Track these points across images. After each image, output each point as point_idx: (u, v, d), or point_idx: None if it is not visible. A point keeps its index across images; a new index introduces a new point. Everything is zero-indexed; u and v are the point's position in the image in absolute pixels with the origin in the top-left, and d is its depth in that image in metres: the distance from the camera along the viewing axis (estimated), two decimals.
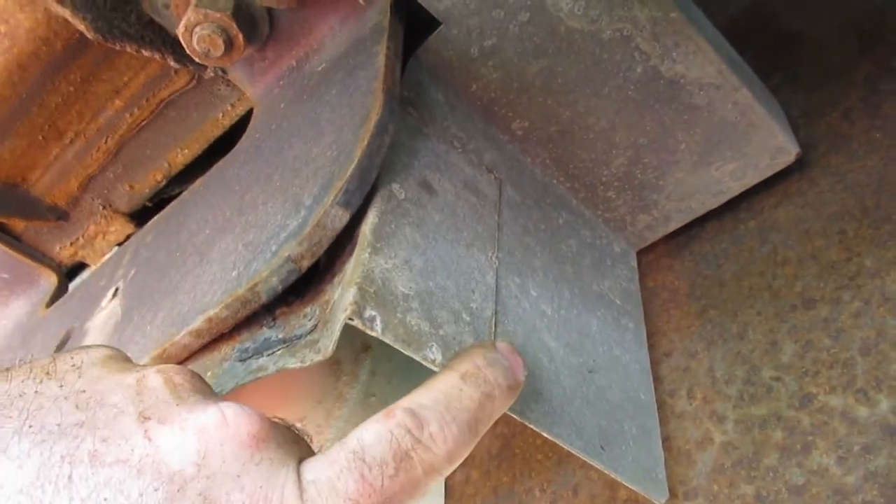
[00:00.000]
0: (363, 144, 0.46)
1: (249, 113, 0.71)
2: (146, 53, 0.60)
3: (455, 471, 0.79)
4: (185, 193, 0.67)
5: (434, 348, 0.44)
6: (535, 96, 0.60)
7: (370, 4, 0.59)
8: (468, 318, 0.47)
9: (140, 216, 0.81)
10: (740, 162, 0.63)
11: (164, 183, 0.76)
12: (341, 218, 0.45)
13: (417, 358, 0.43)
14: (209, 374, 0.50)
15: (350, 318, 0.40)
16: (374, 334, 0.41)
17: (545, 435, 0.48)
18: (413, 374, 0.91)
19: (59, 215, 0.77)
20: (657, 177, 0.65)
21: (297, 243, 0.45)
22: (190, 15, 0.57)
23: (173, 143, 0.72)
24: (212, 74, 0.65)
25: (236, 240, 0.52)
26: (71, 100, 0.66)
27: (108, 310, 0.64)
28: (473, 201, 0.55)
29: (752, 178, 0.64)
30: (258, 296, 0.46)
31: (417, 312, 0.44)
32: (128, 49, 0.58)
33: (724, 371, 0.59)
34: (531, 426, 0.47)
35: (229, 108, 0.69)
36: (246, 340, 0.49)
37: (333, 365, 0.82)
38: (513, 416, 0.47)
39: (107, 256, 0.84)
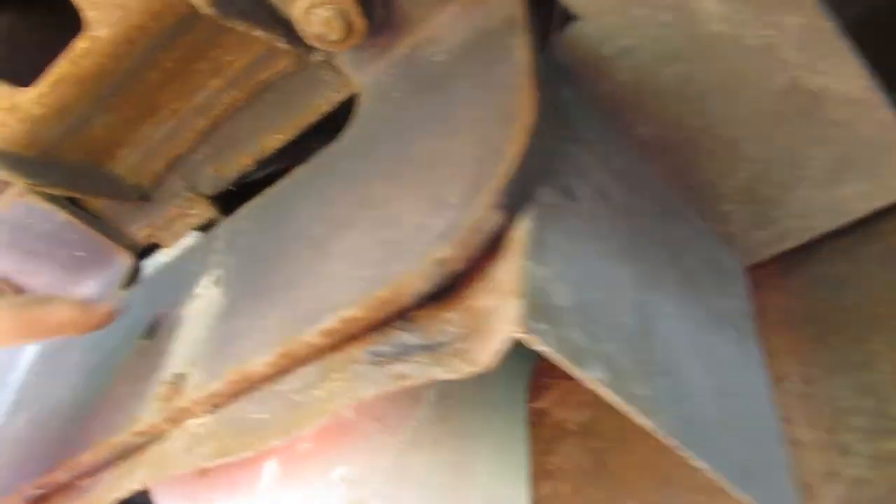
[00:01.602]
0: (518, 143, 0.43)
1: (348, 100, 0.69)
2: (257, 33, 0.57)
3: (541, 484, 0.76)
4: (284, 182, 0.65)
5: (598, 367, 0.41)
6: (666, 102, 0.58)
7: None
8: (621, 335, 0.45)
9: (221, 200, 0.79)
10: (872, 183, 0.60)
11: (252, 167, 0.73)
12: (496, 221, 0.43)
13: (582, 377, 0.40)
14: (336, 375, 0.47)
15: (518, 332, 0.38)
16: (541, 350, 0.39)
17: (690, 459, 0.45)
18: (490, 379, 0.88)
19: (142, 195, 0.75)
20: (781, 193, 0.62)
21: (450, 246, 0.42)
22: None
23: (268, 127, 0.70)
24: (319, 59, 0.62)
25: (365, 236, 0.50)
26: (171, 77, 0.64)
27: (206, 298, 0.61)
28: (610, 210, 0.52)
29: (881, 201, 0.61)
30: (402, 298, 0.44)
31: (578, 327, 0.42)
32: (241, 28, 0.56)
33: (849, 401, 0.57)
34: (673, 446, 0.45)
35: (331, 94, 0.67)
36: (379, 343, 0.47)
37: None
38: (657, 434, 0.44)
39: (184, 239, 0.81)
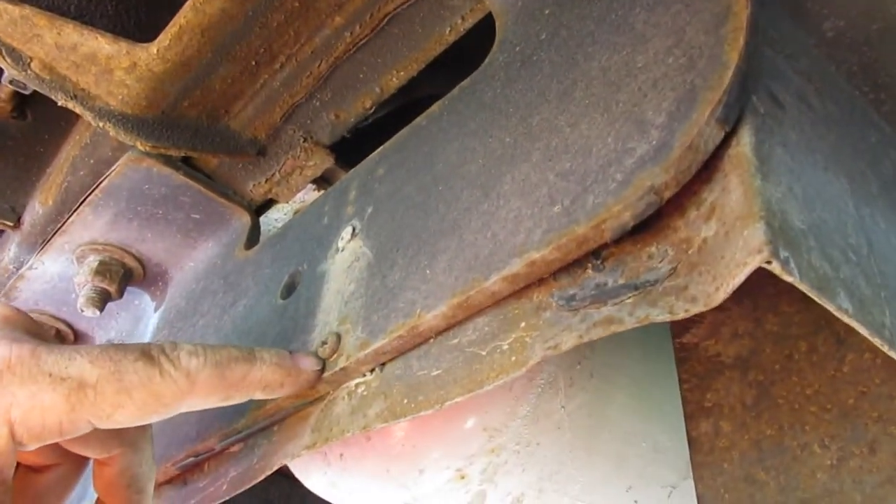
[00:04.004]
0: (737, 46, 0.37)
1: (475, 27, 0.63)
2: None
3: (699, 422, 0.72)
4: (419, 120, 0.60)
5: (843, 295, 0.36)
6: None
7: None
8: (854, 258, 0.39)
9: (337, 148, 0.75)
10: None
11: (371, 110, 0.69)
12: (716, 137, 0.37)
13: (831, 307, 0.35)
14: (523, 324, 0.43)
15: (768, 262, 0.33)
16: (789, 279, 0.34)
17: None
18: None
19: (259, 149, 0.72)
20: None
21: (663, 170, 0.37)
22: None
23: (391, 64, 0.65)
24: None
25: (539, 169, 0.45)
26: (293, 17, 0.59)
27: (349, 251, 0.58)
28: (811, 116, 0.46)
29: None
30: (602, 234, 0.39)
31: (817, 252, 0.36)
32: None
33: None
34: None
35: (459, 21, 0.61)
36: (568, 286, 0.42)
37: None
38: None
39: (302, 193, 0.78)
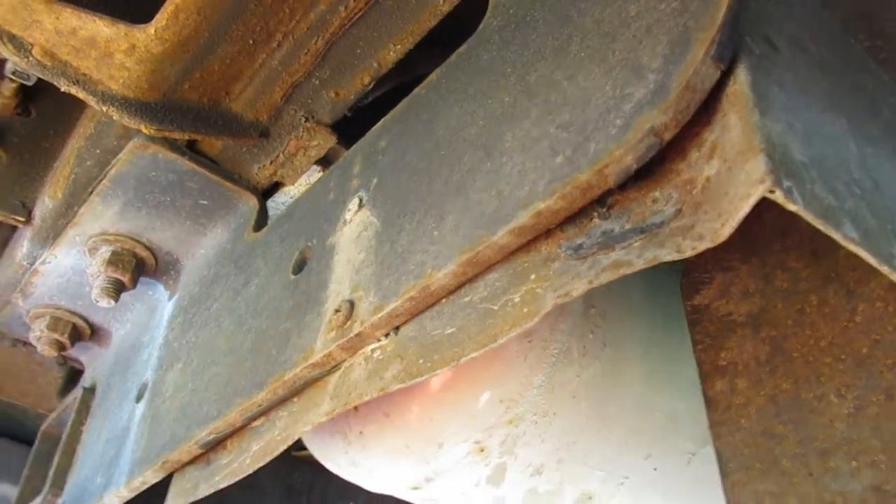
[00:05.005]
0: None
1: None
2: None
3: (714, 381, 0.72)
4: (418, 90, 0.60)
5: (848, 225, 0.36)
6: None
7: None
8: (858, 191, 0.40)
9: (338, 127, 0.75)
10: None
11: (370, 86, 0.69)
12: (712, 76, 0.37)
13: (836, 236, 0.35)
14: (533, 276, 0.44)
15: (771, 191, 0.33)
16: (793, 208, 0.34)
17: None
18: (636, 281, 0.83)
19: (262, 131, 0.72)
20: None
21: (661, 111, 0.37)
22: None
23: (386, 38, 0.65)
24: None
25: (540, 124, 0.45)
26: None
27: (356, 222, 0.58)
28: (807, 60, 0.46)
29: None
30: (605, 180, 0.40)
31: (820, 184, 0.36)
32: None
33: None
34: None
35: None
36: (575, 237, 0.43)
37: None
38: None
39: (307, 174, 0.79)
